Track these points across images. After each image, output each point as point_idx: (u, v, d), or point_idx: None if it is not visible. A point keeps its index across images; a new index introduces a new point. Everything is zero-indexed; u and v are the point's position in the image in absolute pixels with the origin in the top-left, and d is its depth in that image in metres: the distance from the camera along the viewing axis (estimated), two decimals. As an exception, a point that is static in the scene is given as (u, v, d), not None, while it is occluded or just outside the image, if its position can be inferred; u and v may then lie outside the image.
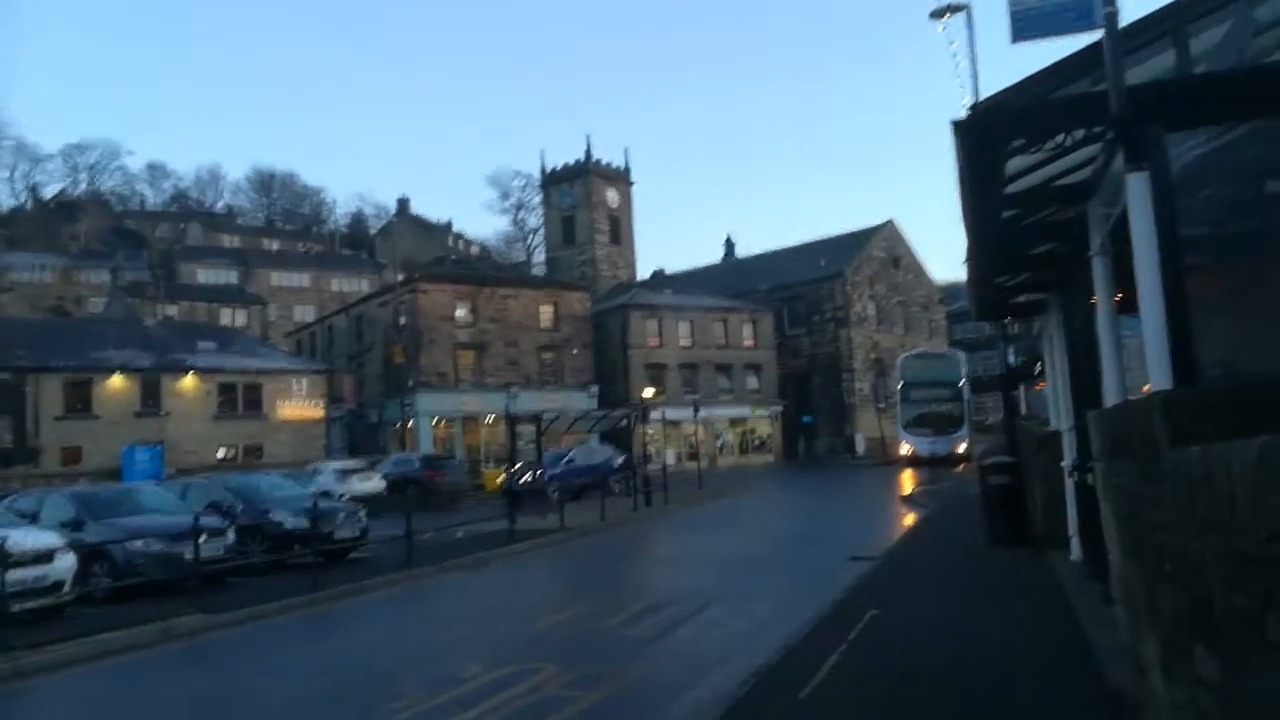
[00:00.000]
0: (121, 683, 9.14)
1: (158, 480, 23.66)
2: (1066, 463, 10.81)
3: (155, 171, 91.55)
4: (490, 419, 47.23)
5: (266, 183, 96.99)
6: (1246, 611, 2.73)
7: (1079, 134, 5.85)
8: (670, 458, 48.49)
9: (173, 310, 63.02)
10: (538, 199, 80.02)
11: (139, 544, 13.19)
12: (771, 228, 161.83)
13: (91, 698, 8.71)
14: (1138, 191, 5.09)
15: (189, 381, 42.41)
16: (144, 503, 15.42)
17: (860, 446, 57.54)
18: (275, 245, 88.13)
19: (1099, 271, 7.13)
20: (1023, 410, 28.65)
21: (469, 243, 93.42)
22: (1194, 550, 3.30)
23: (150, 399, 41.17)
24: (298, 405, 45.74)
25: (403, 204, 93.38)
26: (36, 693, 8.80)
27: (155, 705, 8.22)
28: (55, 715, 8.37)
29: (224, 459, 41.55)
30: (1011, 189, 7.12)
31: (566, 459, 33.26)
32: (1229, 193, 7.04)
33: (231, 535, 14.54)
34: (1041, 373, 18.36)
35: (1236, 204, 7.01)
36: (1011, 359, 18.55)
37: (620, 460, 34.70)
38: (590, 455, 34.56)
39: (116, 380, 40.62)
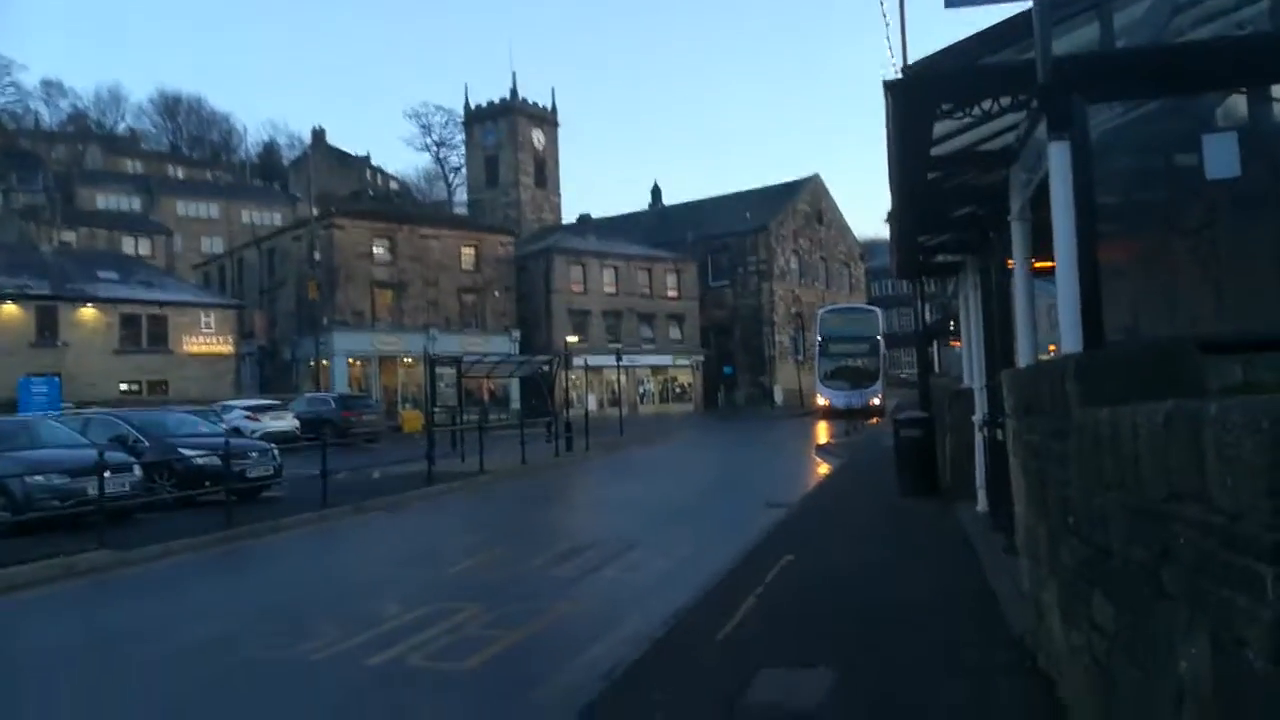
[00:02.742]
0: (18, 619, 8.87)
1: (57, 414, 22.69)
2: (977, 418, 11.25)
3: (51, 89, 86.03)
4: (408, 360, 46.58)
5: (172, 106, 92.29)
6: (1144, 564, 2.92)
7: (1006, 101, 6.01)
8: (592, 404, 48.69)
9: (70, 237, 59.89)
10: (460, 137, 78.23)
11: (39, 478, 12.70)
12: (699, 174, 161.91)
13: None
14: (1059, 159, 5.27)
15: (89, 312, 40.56)
16: (44, 436, 14.82)
17: (779, 398, 58.73)
18: (181, 173, 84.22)
19: (1018, 236, 7.37)
20: (936, 367, 29.60)
21: (388, 178, 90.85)
22: (1097, 505, 3.50)
23: (47, 329, 39.30)
24: (206, 340, 44.29)
25: (318, 134, 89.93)
26: (-70, 631, 8.48)
27: (50, 645, 7.96)
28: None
29: (127, 394, 40.03)
30: (937, 151, 7.28)
31: None
32: (1140, 163, 7.33)
33: (138, 471, 14.10)
34: (955, 331, 18.95)
35: (1146, 175, 7.30)
36: (927, 317, 19.07)
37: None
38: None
39: (9, 308, 38.63)
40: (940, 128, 6.70)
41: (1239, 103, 6.44)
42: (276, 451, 17.24)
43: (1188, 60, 5.51)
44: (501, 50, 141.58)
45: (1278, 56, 5.48)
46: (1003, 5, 6.24)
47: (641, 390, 57.00)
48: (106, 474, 11.95)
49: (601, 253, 56.55)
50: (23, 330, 38.69)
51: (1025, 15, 5.81)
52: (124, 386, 40.66)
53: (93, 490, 11.83)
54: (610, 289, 55.89)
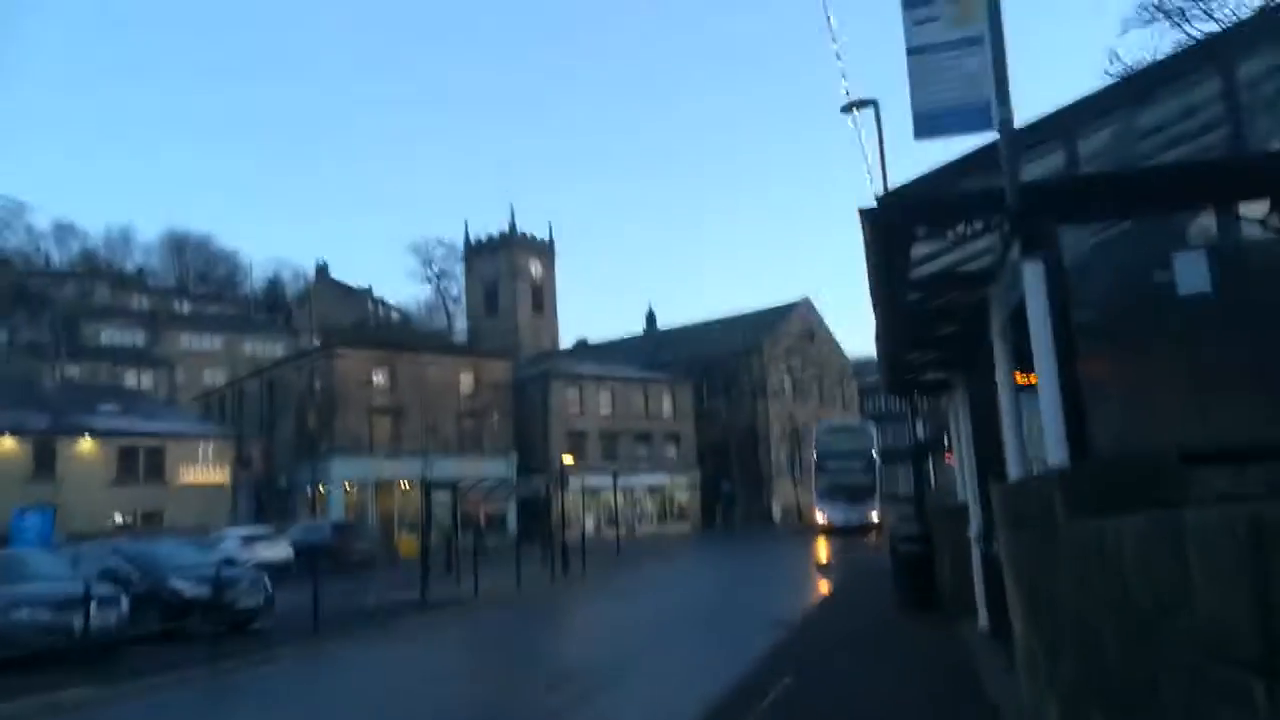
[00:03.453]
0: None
1: (48, 547, 22.38)
2: (973, 533, 11.17)
3: (63, 230, 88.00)
4: (405, 485, 46.20)
5: (180, 244, 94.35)
6: (1140, 679, 2.90)
7: (978, 224, 6.26)
8: (590, 525, 48.06)
9: (74, 371, 60.41)
10: (460, 267, 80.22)
11: (24, 612, 12.45)
12: (692, 298, 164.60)
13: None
14: (1033, 279, 5.45)
15: (86, 445, 40.54)
16: (32, 569, 14.59)
17: (777, 515, 58.11)
18: (187, 308, 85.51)
19: (999, 353, 7.52)
20: (932, 482, 29.45)
21: (389, 309, 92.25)
22: (1089, 619, 3.48)
23: (44, 463, 39.22)
24: (202, 471, 44.06)
25: (321, 269, 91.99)
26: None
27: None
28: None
29: (122, 526, 39.55)
30: (917, 274, 7.51)
31: None
32: (1119, 280, 7.55)
33: (125, 604, 13.81)
34: (949, 445, 18.96)
35: (1125, 290, 7.51)
36: (921, 432, 19.13)
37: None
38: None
39: (7, 442, 38.64)
40: (921, 250, 6.93)
41: (1211, 221, 6.71)
42: (268, 581, 16.94)
43: (1144, 183, 5.78)
44: (499, 180, 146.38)
45: (1235, 178, 5.75)
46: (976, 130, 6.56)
47: (638, 511, 56.37)
48: (93, 607, 11.72)
49: (598, 376, 57.01)
50: (20, 464, 38.59)
51: (997, 143, 6.11)
52: (119, 518, 40.23)
53: (78, 624, 11.58)
54: (606, 411, 56.07)
